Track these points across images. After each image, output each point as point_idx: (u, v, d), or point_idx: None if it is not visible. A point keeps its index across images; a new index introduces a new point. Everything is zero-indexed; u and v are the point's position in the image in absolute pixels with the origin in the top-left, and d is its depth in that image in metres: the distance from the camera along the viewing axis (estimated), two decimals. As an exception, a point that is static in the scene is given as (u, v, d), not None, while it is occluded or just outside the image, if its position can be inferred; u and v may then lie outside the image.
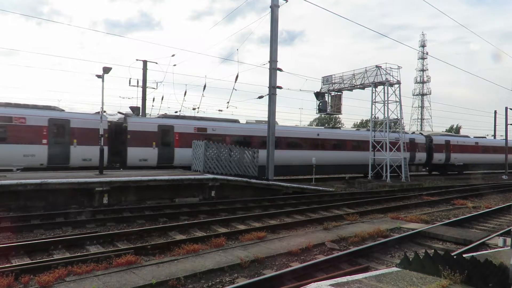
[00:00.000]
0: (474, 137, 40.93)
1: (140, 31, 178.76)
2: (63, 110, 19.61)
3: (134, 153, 19.80)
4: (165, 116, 23.02)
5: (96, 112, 20.15)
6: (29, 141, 17.17)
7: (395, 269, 5.58)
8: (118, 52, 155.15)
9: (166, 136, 20.93)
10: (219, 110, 70.43)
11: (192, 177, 15.61)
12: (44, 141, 17.63)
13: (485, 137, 44.80)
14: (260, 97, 22.10)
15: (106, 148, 17.76)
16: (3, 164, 16.56)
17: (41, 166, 17.46)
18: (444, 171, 35.45)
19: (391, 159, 25.32)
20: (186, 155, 20.52)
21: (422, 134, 36.02)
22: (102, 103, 16.53)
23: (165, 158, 20.69)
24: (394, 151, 25.45)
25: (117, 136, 19.96)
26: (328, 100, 28.13)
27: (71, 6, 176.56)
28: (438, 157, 33.79)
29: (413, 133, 36.66)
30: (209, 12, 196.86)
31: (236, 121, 25.11)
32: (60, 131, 18.14)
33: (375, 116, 26.79)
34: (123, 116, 20.86)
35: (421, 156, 32.12)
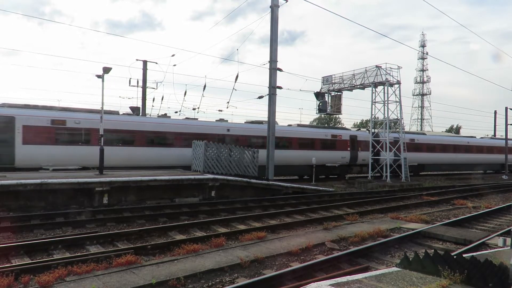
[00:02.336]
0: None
1: (141, 31, 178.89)
2: None
3: None
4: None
5: None
6: None
7: (395, 269, 5.58)
8: (118, 52, 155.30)
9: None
10: (219, 110, 70.52)
11: (192, 177, 15.61)
12: None
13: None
14: (260, 97, 22.11)
15: None
16: None
17: None
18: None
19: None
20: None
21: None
22: (102, 103, 16.52)
23: None
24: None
25: None
26: (328, 100, 28.12)
27: (72, 7, 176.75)
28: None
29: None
30: (210, 12, 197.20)
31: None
32: None
33: (375, 116, 26.79)
34: None
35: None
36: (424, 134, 38.38)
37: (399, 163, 26.11)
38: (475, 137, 42.76)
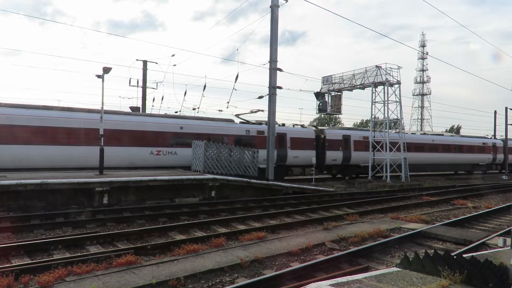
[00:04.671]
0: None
1: (143, 31, 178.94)
2: None
3: None
4: None
5: None
6: None
7: (395, 269, 5.58)
8: (119, 52, 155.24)
9: None
10: (219, 110, 70.44)
11: (192, 177, 15.61)
12: None
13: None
14: (260, 97, 22.13)
15: None
16: None
17: None
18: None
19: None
20: None
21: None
22: (102, 103, 16.51)
23: None
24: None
25: None
26: (328, 100, 28.12)
27: (74, 7, 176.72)
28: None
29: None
30: (212, 12, 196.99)
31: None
32: None
33: (375, 116, 26.78)
34: None
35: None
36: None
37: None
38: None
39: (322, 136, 26.74)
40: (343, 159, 27.32)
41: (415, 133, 38.13)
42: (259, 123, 24.64)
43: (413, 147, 30.42)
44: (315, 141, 26.03)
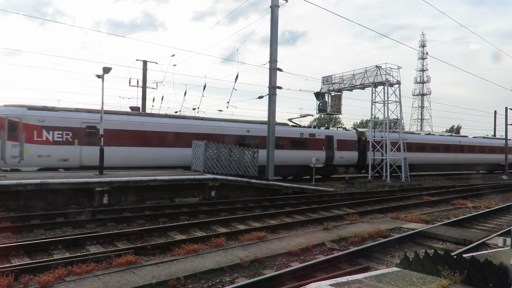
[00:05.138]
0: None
1: (143, 31, 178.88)
2: None
3: None
4: None
5: None
6: None
7: (395, 269, 5.58)
8: (120, 52, 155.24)
9: None
10: (219, 110, 70.44)
11: (192, 177, 15.61)
12: None
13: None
14: (260, 97, 22.13)
15: None
16: None
17: None
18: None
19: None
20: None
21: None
22: (102, 103, 16.51)
23: None
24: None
25: None
26: (328, 100, 28.11)
27: (74, 7, 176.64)
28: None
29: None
30: (212, 13, 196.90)
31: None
32: None
33: (375, 116, 26.78)
34: None
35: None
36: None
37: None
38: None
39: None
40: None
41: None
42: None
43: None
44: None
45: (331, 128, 36.20)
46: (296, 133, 25.02)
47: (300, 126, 27.15)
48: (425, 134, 40.67)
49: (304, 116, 29.11)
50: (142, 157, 19.28)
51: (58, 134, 17.37)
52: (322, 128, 30.82)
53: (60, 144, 17.36)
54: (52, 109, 18.48)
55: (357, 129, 32.67)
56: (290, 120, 27.82)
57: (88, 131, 18.06)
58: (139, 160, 19.18)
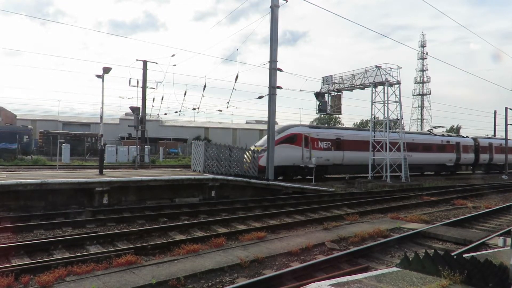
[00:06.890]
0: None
1: (145, 32, 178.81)
2: None
3: None
4: None
5: None
6: None
7: (395, 269, 5.58)
8: (121, 52, 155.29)
9: None
10: (219, 110, 70.47)
11: (192, 177, 15.61)
12: None
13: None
14: (260, 97, 22.11)
15: None
16: None
17: None
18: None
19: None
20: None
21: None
22: (102, 103, 16.54)
23: None
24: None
25: None
26: (328, 100, 28.08)
27: (76, 7, 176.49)
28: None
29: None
30: (213, 13, 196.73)
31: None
32: None
33: (375, 116, 26.77)
34: None
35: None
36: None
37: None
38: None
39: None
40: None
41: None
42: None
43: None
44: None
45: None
46: (438, 140, 34.24)
47: (435, 134, 36.99)
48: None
49: (437, 127, 44.44)
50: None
51: (325, 143, 25.76)
52: (452, 135, 40.99)
53: (326, 150, 25.66)
54: (317, 127, 27.98)
55: (475, 137, 40.64)
56: (429, 131, 40.42)
57: (337, 141, 26.44)
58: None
